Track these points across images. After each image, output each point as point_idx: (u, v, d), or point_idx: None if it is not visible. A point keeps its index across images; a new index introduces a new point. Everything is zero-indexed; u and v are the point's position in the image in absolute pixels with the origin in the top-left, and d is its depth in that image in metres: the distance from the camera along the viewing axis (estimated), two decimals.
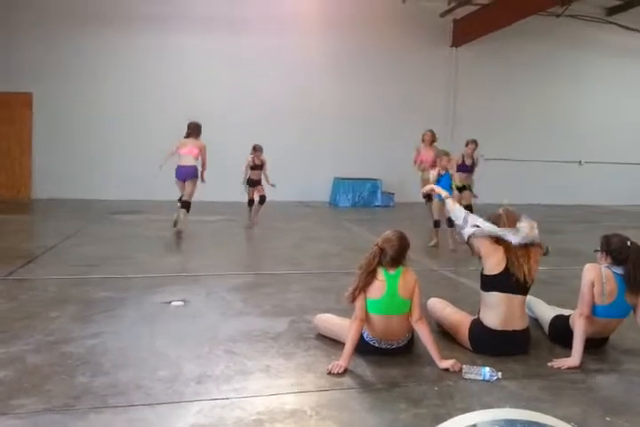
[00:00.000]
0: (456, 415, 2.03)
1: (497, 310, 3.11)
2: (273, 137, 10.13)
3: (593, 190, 13.28)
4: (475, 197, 7.63)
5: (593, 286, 3.06)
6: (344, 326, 3.10)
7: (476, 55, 12.49)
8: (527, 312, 3.43)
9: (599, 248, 3.22)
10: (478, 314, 3.22)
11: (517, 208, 3.30)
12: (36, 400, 2.43)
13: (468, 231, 3.20)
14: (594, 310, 3.08)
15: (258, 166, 8.05)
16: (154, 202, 10.37)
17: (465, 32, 12.09)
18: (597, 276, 3.07)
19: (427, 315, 3.29)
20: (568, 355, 3.05)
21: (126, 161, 10.94)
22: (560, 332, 3.31)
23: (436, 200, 6.69)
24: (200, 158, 7.19)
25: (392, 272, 3.00)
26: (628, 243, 3.10)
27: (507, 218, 3.18)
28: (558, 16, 12.41)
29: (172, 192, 10.60)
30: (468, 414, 1.81)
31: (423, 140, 8.02)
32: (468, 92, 12.58)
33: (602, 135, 13.44)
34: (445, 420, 1.90)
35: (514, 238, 3.07)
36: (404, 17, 11.95)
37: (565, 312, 3.42)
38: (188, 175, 7.14)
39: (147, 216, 8.90)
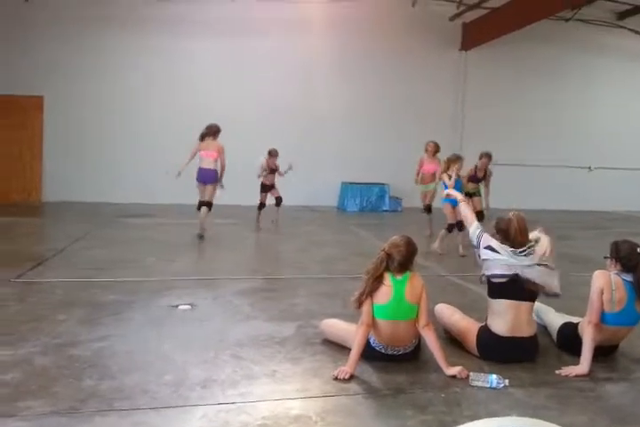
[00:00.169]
0: (462, 423, 2.02)
1: (504, 317, 3.09)
2: (279, 139, 10.11)
3: (603, 196, 13.16)
4: (485, 209, 7.55)
5: (602, 293, 3.03)
6: (350, 332, 3.09)
7: (485, 59, 12.46)
8: (535, 319, 3.41)
9: (609, 255, 3.19)
10: (486, 321, 3.20)
11: (526, 213, 3.27)
12: (42, 403, 2.44)
13: (480, 256, 3.22)
14: (603, 318, 3.05)
15: (272, 171, 8.02)
16: (163, 206, 10.42)
17: (474, 36, 12.06)
18: (607, 283, 3.04)
19: (434, 321, 3.27)
20: (576, 363, 3.02)
21: (136, 165, 11.02)
22: (568, 339, 3.28)
23: (449, 205, 6.67)
24: (219, 160, 7.12)
25: (399, 278, 2.99)
26: (638, 250, 3.07)
27: (517, 224, 3.14)
28: (568, 20, 12.37)
29: (181, 196, 10.73)
30: (474, 423, 1.80)
31: (426, 151, 8.01)
32: (477, 96, 12.54)
33: (612, 140, 13.33)
34: None
35: (522, 270, 3.08)
36: (413, 20, 11.95)
37: (574, 320, 3.38)
38: (208, 178, 7.09)
39: (155, 220, 8.94)
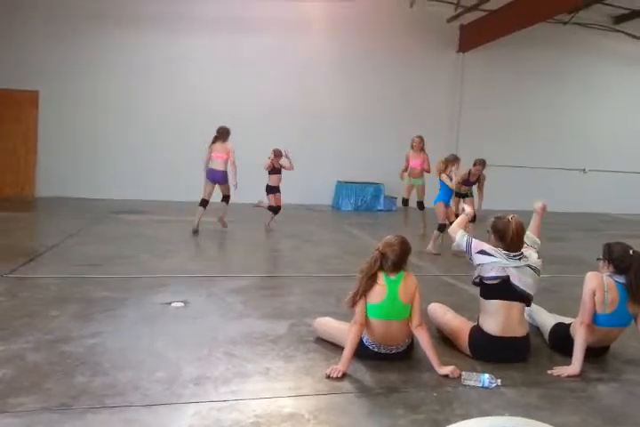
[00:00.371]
0: (454, 422, 2.03)
1: (496, 317, 3.10)
2: (278, 138, 10.11)
3: (597, 198, 13.23)
4: (477, 210, 7.61)
5: (594, 294, 3.05)
6: (343, 330, 3.10)
7: (482, 61, 12.49)
8: (528, 320, 3.43)
9: (601, 256, 3.21)
10: (478, 320, 3.21)
11: (521, 215, 3.28)
12: (34, 399, 2.44)
13: (473, 261, 3.21)
14: (595, 319, 3.07)
15: (277, 171, 7.99)
16: (157, 202, 10.41)
17: (472, 38, 12.09)
18: (599, 284, 3.06)
19: (427, 320, 3.28)
20: (568, 363, 3.04)
21: (131, 161, 10.98)
22: (560, 340, 3.30)
23: (442, 204, 6.73)
24: (230, 162, 7.41)
25: (393, 277, 3.00)
26: (631, 251, 3.09)
27: (515, 228, 3.13)
28: (565, 23, 12.43)
29: (176, 193, 10.75)
30: (465, 422, 1.81)
31: (412, 146, 8.12)
32: (474, 98, 12.57)
33: (607, 143, 13.41)
34: None
35: (514, 277, 3.10)
36: (410, 21, 11.96)
37: (566, 320, 3.40)
38: (218, 179, 7.47)
39: (150, 216, 8.91)
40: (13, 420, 2.26)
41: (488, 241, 3.25)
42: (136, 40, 10.87)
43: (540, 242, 3.48)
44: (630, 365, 3.25)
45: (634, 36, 12.90)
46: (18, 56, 10.53)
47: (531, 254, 3.22)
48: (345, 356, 2.88)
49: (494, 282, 3.10)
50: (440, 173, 6.78)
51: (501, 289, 3.09)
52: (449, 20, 12.24)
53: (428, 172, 8.10)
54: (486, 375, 2.81)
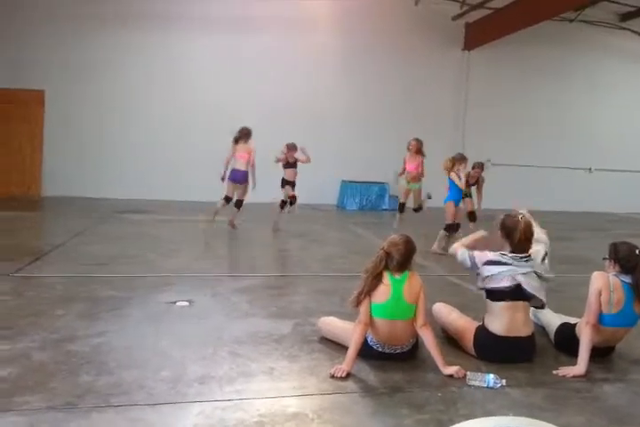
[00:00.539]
0: (459, 422, 2.02)
1: (501, 318, 3.09)
2: (280, 136, 10.09)
3: (603, 198, 13.16)
4: (477, 210, 7.64)
5: (600, 294, 3.04)
6: (347, 330, 3.09)
7: (487, 59, 12.45)
8: (533, 319, 3.41)
9: (607, 256, 3.19)
10: (483, 320, 3.20)
11: None
12: (39, 398, 2.44)
13: (482, 274, 3.14)
14: (601, 319, 3.05)
15: (292, 165, 7.90)
16: (160, 202, 10.44)
17: (477, 36, 12.05)
18: (605, 284, 3.05)
19: (432, 320, 3.27)
20: (573, 363, 3.02)
21: (136, 160, 11.02)
22: (566, 340, 3.28)
23: (452, 203, 6.74)
24: (250, 162, 7.61)
25: (398, 277, 2.99)
26: (637, 251, 3.07)
27: (524, 228, 3.11)
28: (571, 21, 12.37)
29: (178, 192, 10.77)
30: (469, 422, 1.80)
31: (408, 149, 7.93)
32: (479, 96, 12.53)
33: (614, 142, 13.34)
34: (448, 426, 1.90)
35: (524, 283, 3.07)
36: (415, 19, 11.93)
37: (572, 320, 3.39)
38: (239, 179, 7.63)
39: (154, 216, 8.94)
40: (19, 418, 2.27)
41: (494, 238, 3.23)
42: (140, 40, 10.90)
43: (548, 241, 3.44)
44: (636, 365, 3.24)
45: None
46: (23, 56, 10.58)
47: (536, 257, 3.20)
48: (349, 355, 2.88)
49: (505, 290, 3.08)
50: (448, 172, 6.79)
51: (510, 293, 3.08)
52: (454, 18, 12.20)
53: (422, 176, 7.99)
54: (491, 376, 2.80)
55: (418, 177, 7.98)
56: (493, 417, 2.34)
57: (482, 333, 3.15)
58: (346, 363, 2.86)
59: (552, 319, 3.52)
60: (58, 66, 10.67)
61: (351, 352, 2.89)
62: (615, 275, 3.10)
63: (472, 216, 7.30)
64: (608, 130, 13.37)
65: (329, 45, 11.47)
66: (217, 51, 11.24)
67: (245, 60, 11.34)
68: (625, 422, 2.49)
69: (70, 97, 10.83)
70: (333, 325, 3.36)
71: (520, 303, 3.10)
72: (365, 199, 11.72)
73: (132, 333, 3.40)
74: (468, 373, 2.85)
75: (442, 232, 6.77)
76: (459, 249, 3.33)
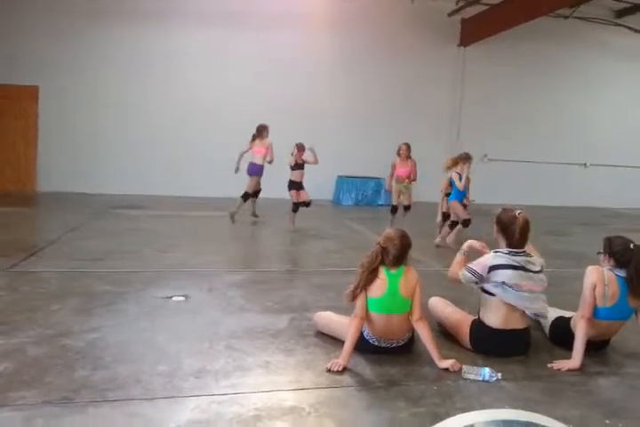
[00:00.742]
0: (454, 415, 2.03)
1: (497, 311, 3.10)
2: (277, 133, 10.11)
3: (598, 193, 13.21)
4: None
5: (595, 288, 3.05)
6: (343, 324, 3.10)
7: (483, 55, 12.43)
8: (528, 313, 3.42)
9: (602, 250, 3.20)
10: (478, 314, 3.21)
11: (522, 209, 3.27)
12: (35, 393, 2.44)
13: (495, 280, 3.07)
14: (595, 313, 3.07)
15: (300, 166, 7.77)
16: (156, 197, 10.41)
17: (473, 32, 12.03)
18: (600, 278, 3.06)
19: (427, 314, 3.28)
20: (568, 357, 3.04)
21: (131, 156, 10.96)
22: (561, 333, 3.30)
23: (457, 202, 6.81)
24: (268, 156, 8.00)
25: (394, 271, 3.00)
26: (631, 245, 3.09)
27: (522, 224, 3.10)
28: (567, 17, 12.36)
29: (174, 188, 10.75)
30: (465, 414, 1.81)
31: (399, 154, 7.69)
32: (475, 92, 12.52)
33: (609, 137, 13.36)
34: (444, 419, 1.91)
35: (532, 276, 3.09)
36: (411, 16, 11.89)
37: (567, 314, 3.40)
38: (253, 171, 8.04)
39: (149, 211, 8.91)
40: (15, 413, 2.27)
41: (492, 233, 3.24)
42: (136, 35, 10.82)
43: (544, 263, 3.33)
44: (631, 358, 3.25)
45: (635, 30, 12.83)
46: (18, 51, 10.49)
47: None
48: (345, 350, 2.89)
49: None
50: (448, 170, 6.83)
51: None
52: (450, 14, 12.18)
53: (414, 180, 7.87)
54: (487, 369, 2.81)
55: (409, 182, 7.81)
56: (489, 410, 2.35)
57: (477, 326, 3.16)
58: (342, 357, 2.87)
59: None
60: (52, 62, 10.59)
61: (347, 346, 2.89)
62: (610, 269, 3.12)
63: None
64: (603, 125, 13.39)
65: (324, 41, 11.36)
66: (213, 47, 11.16)
67: (243, 58, 11.24)
68: (619, 415, 2.51)
69: (64, 92, 10.75)
70: (329, 319, 3.37)
71: None
72: (361, 195, 11.71)
73: (127, 328, 3.39)
74: (464, 366, 2.86)
75: (459, 227, 6.78)
76: (458, 272, 3.21)
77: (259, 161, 8.02)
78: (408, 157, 7.72)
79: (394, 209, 7.80)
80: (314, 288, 4.54)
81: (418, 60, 12.19)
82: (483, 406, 2.46)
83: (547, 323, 3.47)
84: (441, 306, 3.49)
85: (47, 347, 2.98)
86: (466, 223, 6.72)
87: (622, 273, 3.07)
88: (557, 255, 6.43)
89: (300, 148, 7.75)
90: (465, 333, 3.20)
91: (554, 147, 13.09)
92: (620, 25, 12.80)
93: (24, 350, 2.92)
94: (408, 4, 11.83)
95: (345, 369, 2.83)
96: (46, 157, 10.87)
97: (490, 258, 3.12)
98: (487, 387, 2.72)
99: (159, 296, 4.08)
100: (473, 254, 3.32)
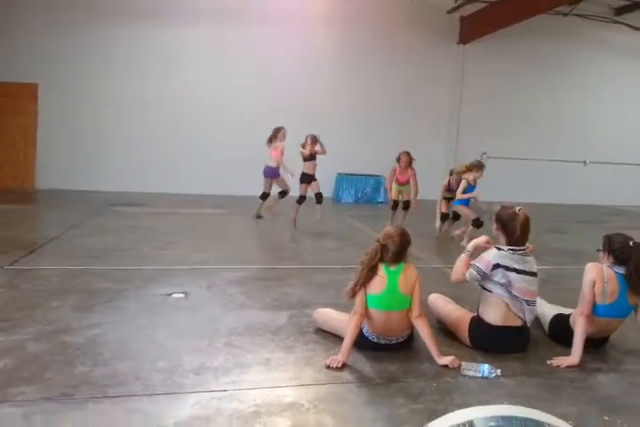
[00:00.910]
0: (453, 411, 2.03)
1: (496, 308, 3.10)
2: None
3: (598, 190, 13.22)
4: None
5: (594, 285, 3.06)
6: (343, 321, 3.11)
7: (482, 53, 12.41)
8: None
9: (601, 248, 3.21)
10: (477, 310, 3.21)
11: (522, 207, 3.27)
12: (35, 389, 2.44)
13: (499, 279, 3.06)
14: (595, 310, 3.07)
15: (312, 157, 7.64)
16: (154, 195, 10.40)
17: (472, 29, 12.02)
18: (599, 275, 3.07)
19: (427, 311, 3.29)
20: (568, 354, 3.04)
21: (130, 153, 10.96)
22: (560, 330, 3.30)
23: (462, 206, 6.87)
24: (279, 159, 8.02)
25: (393, 268, 3.00)
26: (631, 243, 3.09)
27: (522, 221, 3.10)
28: (566, 15, 12.34)
29: (172, 185, 10.75)
30: (464, 410, 1.81)
31: (398, 162, 7.49)
32: (475, 90, 12.51)
33: (608, 135, 13.36)
34: (442, 415, 1.91)
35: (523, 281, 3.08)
36: (410, 14, 11.86)
37: (566, 311, 3.41)
38: (271, 175, 8.10)
39: (148, 209, 8.90)
40: (14, 409, 2.27)
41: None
42: (134, 34, 10.80)
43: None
44: (630, 355, 3.26)
45: (635, 28, 12.82)
46: (17, 48, 10.47)
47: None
48: (345, 346, 2.89)
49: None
50: (457, 175, 6.91)
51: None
52: (449, 12, 12.16)
53: (416, 190, 7.64)
54: (486, 366, 2.82)
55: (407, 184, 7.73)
56: (488, 406, 2.35)
57: (477, 323, 3.16)
58: (341, 354, 2.87)
59: (546, 310, 3.54)
60: (51, 59, 10.57)
61: (347, 343, 2.90)
62: (609, 266, 3.12)
63: (457, 215, 7.30)
64: (603, 123, 13.39)
65: (323, 40, 11.32)
66: (212, 45, 11.14)
67: (242, 57, 11.22)
68: (618, 411, 2.51)
69: (64, 90, 10.73)
70: (329, 316, 3.37)
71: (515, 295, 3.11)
72: (361, 192, 11.71)
73: (127, 324, 3.39)
74: (463, 363, 2.86)
75: (470, 228, 6.78)
76: (464, 272, 3.19)
77: (273, 164, 8.00)
78: (408, 166, 7.48)
79: (394, 205, 7.74)
80: (313, 285, 4.55)
81: (417, 59, 12.17)
82: (482, 403, 2.45)
83: (546, 320, 3.48)
84: (441, 303, 3.50)
85: (47, 343, 2.98)
86: (476, 223, 6.70)
87: (622, 270, 3.08)
88: (557, 253, 6.45)
89: (313, 139, 7.65)
90: (464, 329, 3.21)
91: (553, 144, 13.09)
92: (619, 22, 12.78)
93: (24, 347, 2.92)
94: (407, 2, 11.81)
95: (344, 366, 2.84)
96: (45, 154, 10.86)
97: (493, 254, 3.10)
98: (486, 383, 2.73)
99: (159, 293, 4.08)
100: (476, 253, 3.32)
